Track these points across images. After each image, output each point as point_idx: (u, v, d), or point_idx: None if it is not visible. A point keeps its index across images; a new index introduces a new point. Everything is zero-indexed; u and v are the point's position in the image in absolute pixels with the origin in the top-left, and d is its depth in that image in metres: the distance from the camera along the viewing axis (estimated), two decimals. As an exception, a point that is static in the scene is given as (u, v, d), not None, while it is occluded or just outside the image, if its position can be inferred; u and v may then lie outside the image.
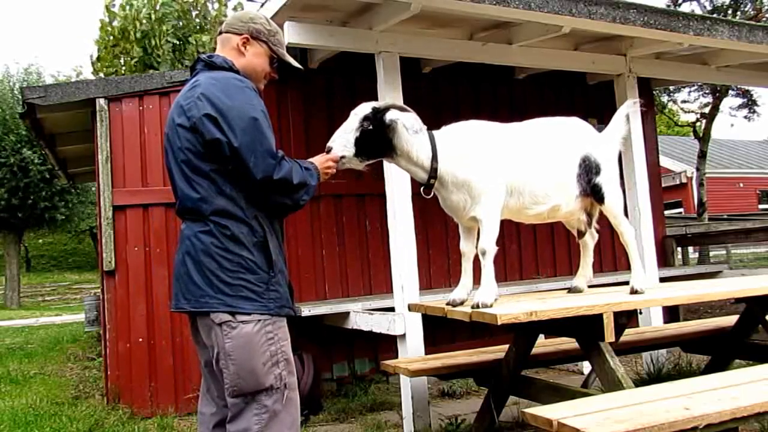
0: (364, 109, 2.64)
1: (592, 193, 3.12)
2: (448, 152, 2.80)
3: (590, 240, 3.40)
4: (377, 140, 2.65)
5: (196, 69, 2.25)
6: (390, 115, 2.63)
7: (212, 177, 2.08)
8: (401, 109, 2.69)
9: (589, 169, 3.09)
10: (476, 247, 2.92)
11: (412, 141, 2.73)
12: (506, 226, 6.30)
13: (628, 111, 3.38)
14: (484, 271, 2.85)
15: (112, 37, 12.77)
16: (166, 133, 2.22)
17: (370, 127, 2.60)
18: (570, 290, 3.36)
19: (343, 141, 2.58)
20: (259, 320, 2.06)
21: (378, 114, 2.62)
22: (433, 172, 2.78)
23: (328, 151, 2.56)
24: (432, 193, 2.89)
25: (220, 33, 2.33)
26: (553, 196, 3.02)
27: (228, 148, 2.03)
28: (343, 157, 2.55)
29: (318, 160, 2.38)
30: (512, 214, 3.05)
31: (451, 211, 2.94)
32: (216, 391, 2.22)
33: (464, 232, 3.02)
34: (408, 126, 2.61)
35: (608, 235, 6.74)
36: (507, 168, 2.88)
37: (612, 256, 6.64)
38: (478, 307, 2.73)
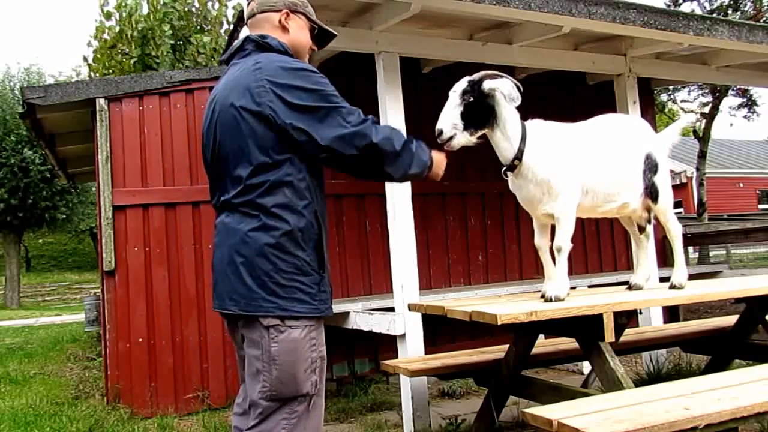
0: (461, 85, 2.74)
1: (649, 191, 3.19)
2: (533, 144, 2.85)
3: (646, 239, 3.44)
4: (481, 110, 2.73)
5: (246, 49, 2.09)
6: (488, 84, 2.71)
7: (280, 167, 1.94)
8: (495, 77, 2.76)
9: (650, 167, 3.17)
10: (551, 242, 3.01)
11: (509, 111, 2.81)
12: (506, 226, 6.33)
13: (687, 123, 3.61)
14: (558, 267, 2.91)
15: (108, 38, 12.77)
16: (216, 116, 2.05)
17: (471, 99, 2.70)
18: (630, 287, 3.38)
19: (450, 120, 2.69)
20: (306, 326, 1.99)
21: (475, 85, 2.72)
22: (519, 153, 2.82)
23: (439, 134, 2.63)
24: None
25: (253, 15, 2.17)
26: (623, 194, 3.11)
27: (313, 139, 1.92)
28: (453, 136, 2.67)
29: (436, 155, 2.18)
30: (584, 212, 3.12)
31: (526, 201, 2.99)
32: None
33: (539, 227, 3.07)
34: (506, 93, 2.67)
35: (608, 235, 6.75)
36: (584, 168, 2.95)
37: (612, 256, 6.64)
38: (551, 300, 2.82)
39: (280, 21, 2.14)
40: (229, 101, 1.99)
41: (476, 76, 2.76)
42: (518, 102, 2.68)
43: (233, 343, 2.18)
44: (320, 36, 2.29)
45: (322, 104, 1.93)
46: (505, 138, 2.83)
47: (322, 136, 1.92)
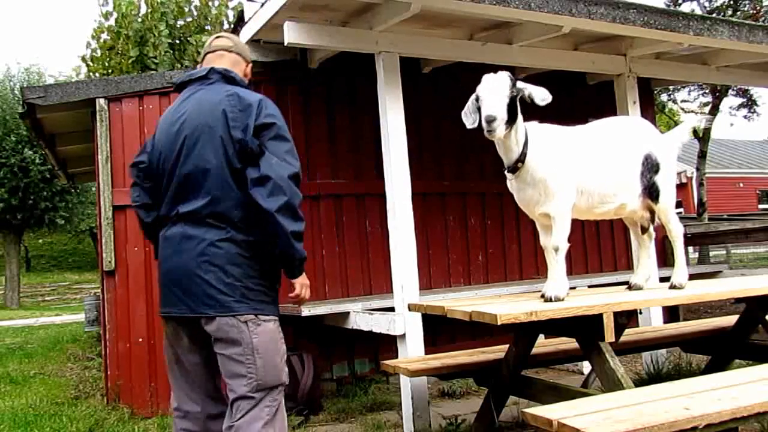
0: (505, 79, 2.72)
1: (649, 191, 3.21)
2: (534, 147, 2.90)
3: (648, 239, 3.46)
4: (514, 108, 2.76)
5: (211, 79, 2.31)
6: (521, 84, 2.77)
7: (246, 184, 2.15)
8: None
9: (650, 168, 3.19)
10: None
11: (520, 115, 2.86)
12: (506, 226, 6.33)
13: (697, 122, 3.66)
14: (557, 267, 2.94)
15: (107, 38, 12.74)
16: (184, 134, 2.24)
17: (514, 94, 2.73)
18: (630, 287, 3.40)
19: (501, 107, 2.66)
20: (275, 320, 2.23)
21: (515, 82, 2.76)
22: (522, 156, 2.87)
23: (491, 121, 2.60)
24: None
25: (228, 50, 2.41)
26: (620, 195, 3.13)
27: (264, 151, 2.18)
28: (500, 124, 2.67)
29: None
30: (580, 213, 3.14)
31: (523, 203, 3.04)
32: (208, 389, 2.36)
33: (541, 228, 3.11)
34: (536, 96, 2.76)
35: (608, 235, 6.75)
36: (579, 170, 2.99)
37: (612, 256, 6.64)
38: (551, 300, 2.84)
39: (244, 71, 2.45)
40: (203, 122, 2.20)
41: (509, 74, 2.79)
42: (549, 101, 2.76)
43: (173, 347, 2.34)
44: None
45: (283, 134, 2.18)
46: (516, 140, 2.88)
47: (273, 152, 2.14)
